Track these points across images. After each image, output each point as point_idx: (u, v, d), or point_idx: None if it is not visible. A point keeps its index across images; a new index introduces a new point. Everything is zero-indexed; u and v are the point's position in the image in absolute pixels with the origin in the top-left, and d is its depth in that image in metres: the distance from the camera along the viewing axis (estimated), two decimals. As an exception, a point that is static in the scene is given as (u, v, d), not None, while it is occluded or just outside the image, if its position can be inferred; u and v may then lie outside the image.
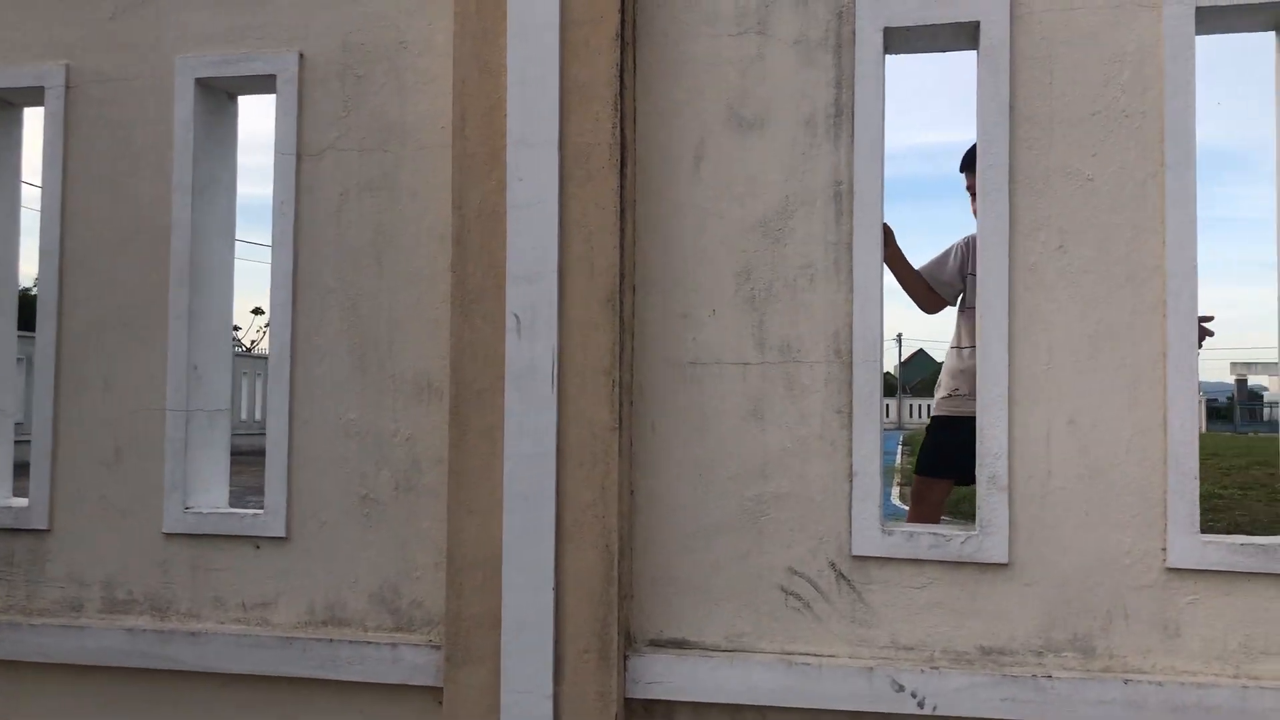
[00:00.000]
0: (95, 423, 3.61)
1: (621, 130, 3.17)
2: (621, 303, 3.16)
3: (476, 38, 3.26)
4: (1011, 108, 3.06)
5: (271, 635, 3.39)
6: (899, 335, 73.95)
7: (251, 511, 3.50)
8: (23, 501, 3.68)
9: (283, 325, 3.48)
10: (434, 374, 3.40)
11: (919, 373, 71.76)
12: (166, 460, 3.54)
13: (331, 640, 3.34)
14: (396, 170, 3.46)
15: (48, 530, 3.62)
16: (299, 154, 3.52)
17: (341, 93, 3.50)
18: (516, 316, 3.18)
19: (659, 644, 3.23)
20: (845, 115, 3.16)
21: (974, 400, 3.13)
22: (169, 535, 3.54)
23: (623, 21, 3.18)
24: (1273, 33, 3.08)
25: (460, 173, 3.26)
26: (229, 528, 3.49)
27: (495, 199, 3.23)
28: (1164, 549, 2.93)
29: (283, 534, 3.45)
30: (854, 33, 3.15)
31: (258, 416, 25.30)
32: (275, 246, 3.50)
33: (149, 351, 3.59)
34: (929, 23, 3.12)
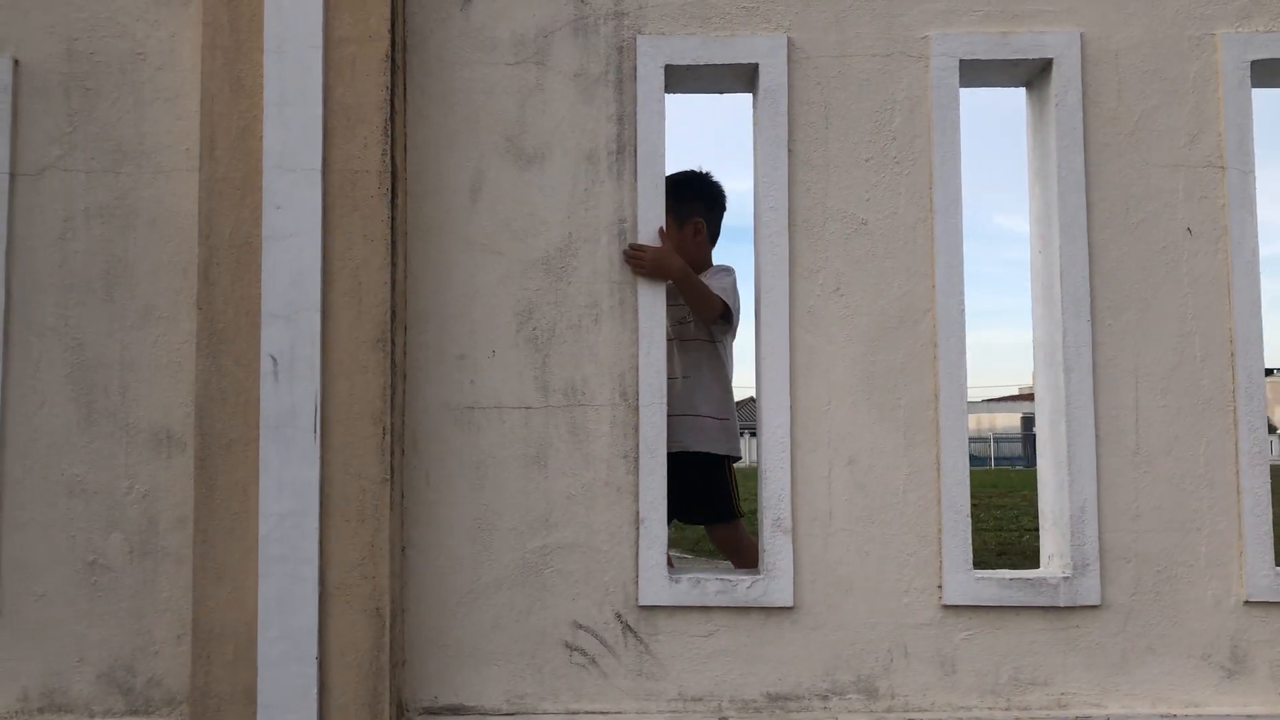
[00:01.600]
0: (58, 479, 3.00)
1: (392, 158, 2.96)
2: (393, 343, 2.93)
3: (228, 51, 2.96)
4: (790, 151, 3.07)
5: (-27, 731, 2.90)
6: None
7: (-52, 586, 3.00)
8: None
9: None
10: (175, 423, 3.04)
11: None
12: None
13: (49, 732, 2.90)
14: (132, 194, 3.09)
15: None
16: (12, 173, 3.07)
17: (66, 106, 3.10)
18: (273, 358, 2.89)
19: (434, 711, 2.99)
20: (628, 152, 3.08)
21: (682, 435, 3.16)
22: None
23: (393, 43, 2.98)
24: (1024, 89, 3.26)
25: (209, 199, 2.94)
26: None
27: (249, 229, 2.93)
28: (940, 586, 2.99)
29: (-16, 611, 2.98)
30: (635, 68, 3.09)
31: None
32: (-18, 278, 3.04)
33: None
34: (709, 62, 3.10)
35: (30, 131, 3.09)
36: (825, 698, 2.98)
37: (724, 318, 3.62)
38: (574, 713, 2.97)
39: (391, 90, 2.96)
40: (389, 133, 2.94)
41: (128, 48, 3.12)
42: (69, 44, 3.11)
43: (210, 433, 2.90)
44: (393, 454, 2.91)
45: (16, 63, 3.09)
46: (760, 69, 3.08)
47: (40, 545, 3.00)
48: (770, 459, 3.01)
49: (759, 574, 3.02)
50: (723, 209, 3.86)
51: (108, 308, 3.06)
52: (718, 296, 3.50)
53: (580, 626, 3.00)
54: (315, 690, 2.82)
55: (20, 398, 3.04)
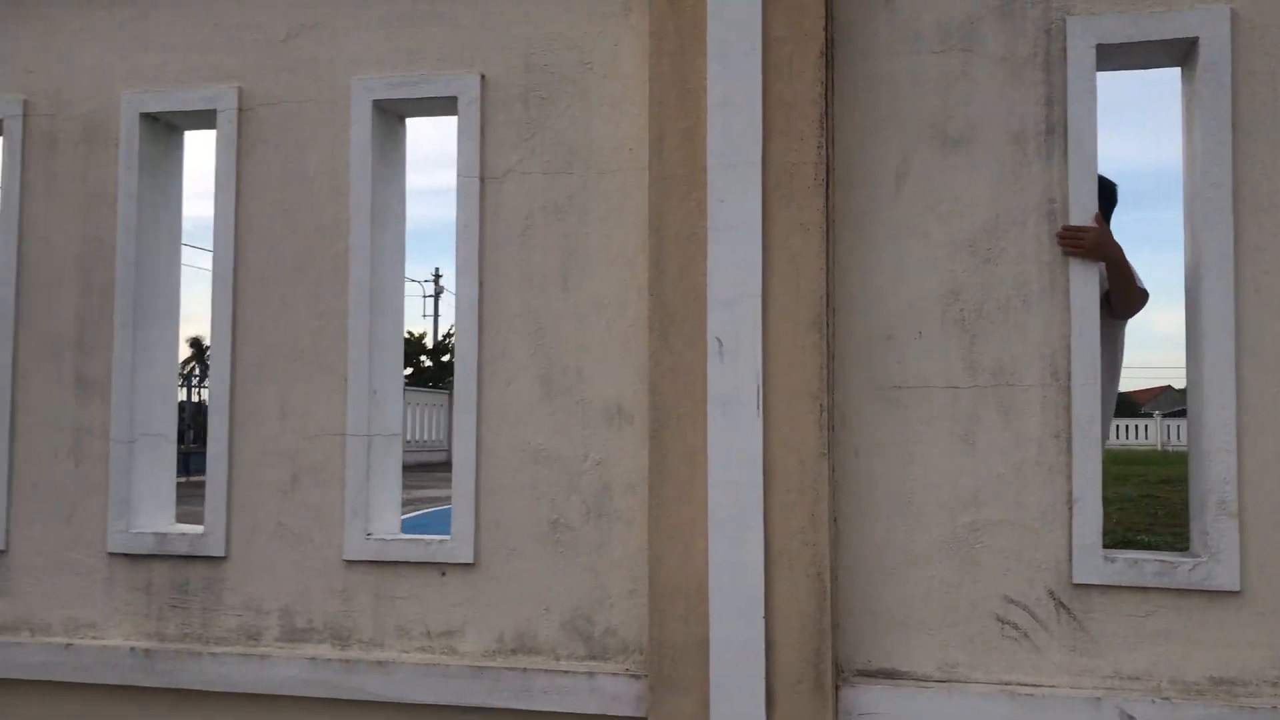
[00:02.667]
0: (272, 449, 3.58)
1: (824, 149, 3.12)
2: (825, 325, 3.10)
3: (674, 57, 3.22)
4: (1234, 125, 2.99)
5: (461, 665, 3.33)
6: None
7: (438, 538, 3.46)
8: (198, 529, 3.65)
9: (468, 351, 3.44)
10: (625, 399, 3.35)
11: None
12: (347, 486, 3.50)
13: (525, 670, 3.28)
14: (582, 193, 3.42)
15: (224, 558, 3.59)
16: (482, 177, 3.48)
17: (524, 115, 3.47)
18: (719, 340, 3.13)
19: (867, 674, 3.16)
20: (1057, 132, 3.10)
21: None
22: (350, 562, 3.50)
23: (825, 39, 3.14)
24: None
25: (658, 195, 3.21)
26: (413, 554, 3.45)
27: (695, 221, 3.18)
28: None
29: (470, 560, 3.40)
30: (1064, 49, 3.10)
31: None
32: (460, 273, 3.46)
33: (326, 377, 3.56)
34: (1141, 39, 3.06)
35: (495, 139, 3.48)
36: (1275, 684, 2.91)
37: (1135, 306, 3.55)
38: (1007, 683, 3.05)
39: (824, 85, 3.12)
40: (823, 125, 3.11)
41: (576, 58, 3.45)
42: (526, 58, 3.48)
43: (662, 406, 3.18)
44: (829, 430, 3.09)
45: (483, 78, 3.49)
46: (1200, 42, 3.01)
47: (511, 506, 3.40)
48: (1213, 441, 2.95)
49: (1200, 557, 2.98)
50: (1114, 204, 3.78)
51: (564, 296, 3.41)
52: (1141, 286, 3.44)
53: (1011, 601, 3.07)
54: (763, 646, 3.05)
55: (492, 376, 3.44)
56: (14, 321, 3.78)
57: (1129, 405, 49.48)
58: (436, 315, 53.83)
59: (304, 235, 3.60)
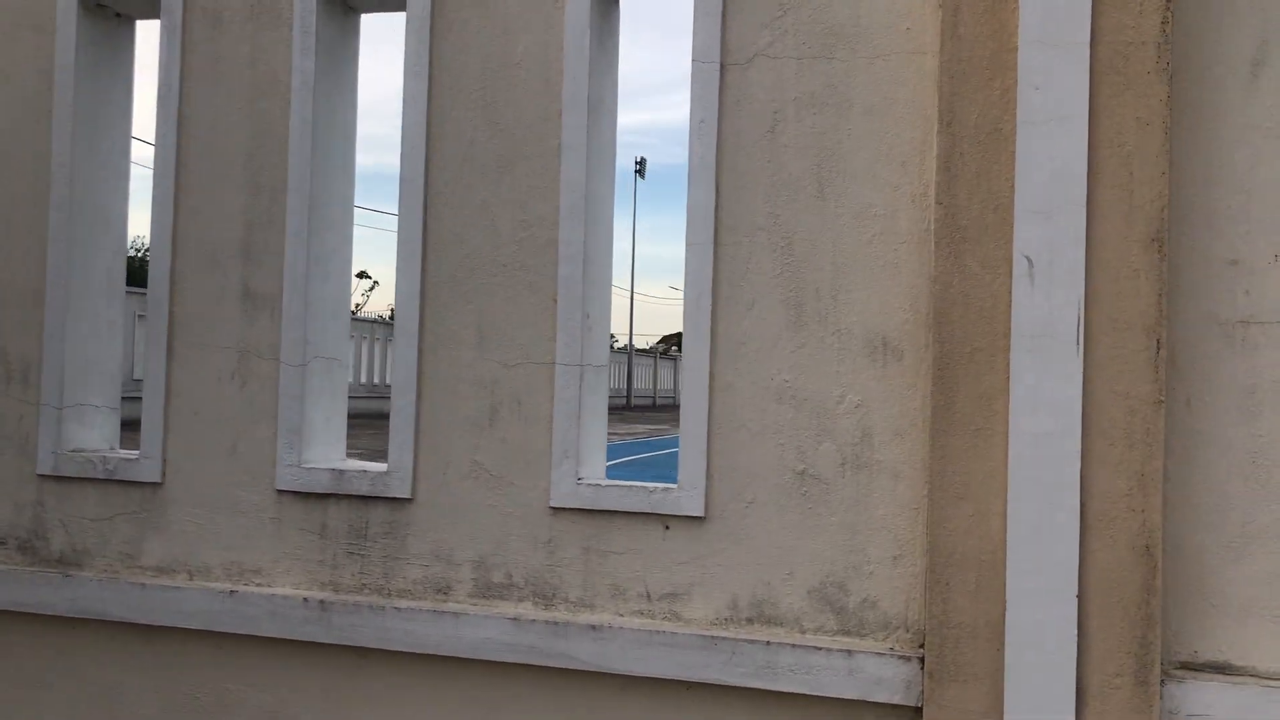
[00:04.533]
0: (466, 379, 3.11)
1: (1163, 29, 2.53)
2: (1164, 244, 2.53)
3: (979, -87, 2.63)
4: None
5: (690, 633, 2.86)
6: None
7: (661, 486, 2.97)
8: (380, 466, 3.21)
9: (701, 270, 2.93)
10: (892, 330, 2.82)
11: None
12: (555, 422, 3.03)
13: (768, 643, 2.80)
14: (845, 82, 2.87)
15: (409, 499, 3.14)
16: (722, 63, 2.94)
17: (776, -12, 2.91)
18: (1028, 259, 2.57)
19: (1193, 667, 2.62)
20: None
21: None
22: (557, 510, 3.03)
23: (1176, -110, 2.53)
24: None
25: (952, 81, 2.65)
26: (632, 503, 2.97)
27: (998, 113, 2.62)
28: None
29: (700, 513, 2.91)
30: None
31: (375, 380, 25.61)
32: (693, 176, 2.94)
33: (532, 296, 3.07)
34: None
35: (739, 17, 2.93)
36: None
37: None
38: (1380, 689, 2.49)
39: (1175, -54, 2.52)
40: (1172, -3, 2.51)
41: (842, -79, 2.88)
42: (779, -78, 2.91)
43: (950, 339, 2.64)
44: (1165, 372, 2.53)
45: (728, -55, 2.94)
46: None
47: (749, 451, 2.90)
48: None
49: None
50: None
51: (818, 204, 2.88)
52: None
53: (1389, 588, 2.51)
54: (1074, 631, 2.53)
55: (729, 299, 2.93)
56: (172, 226, 3.35)
57: None
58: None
59: (508, 131, 3.10)
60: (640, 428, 28.09)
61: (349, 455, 3.52)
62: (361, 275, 42.53)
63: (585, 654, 2.92)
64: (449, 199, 3.14)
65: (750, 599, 2.90)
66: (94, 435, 3.53)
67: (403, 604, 3.08)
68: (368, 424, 17.64)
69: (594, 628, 2.92)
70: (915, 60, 2.81)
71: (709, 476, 2.92)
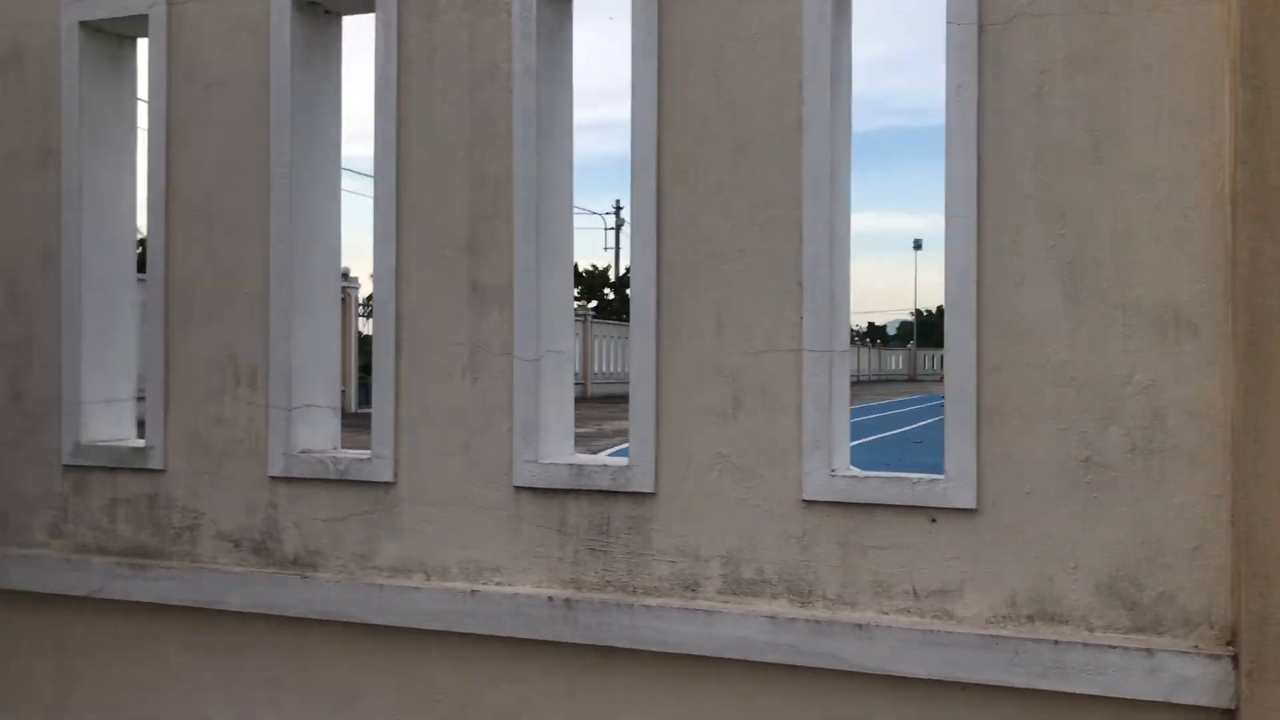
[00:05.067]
0: (706, 368, 3.00)
1: None
2: None
3: None
4: None
5: (966, 632, 2.70)
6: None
7: (926, 477, 2.81)
8: (620, 461, 3.12)
9: (963, 244, 2.75)
10: (1184, 303, 2.60)
11: None
12: (805, 412, 2.89)
13: (1056, 641, 2.62)
14: (1120, 38, 2.65)
15: (652, 494, 3.04)
16: (980, 24, 2.75)
17: (1037, -60, 2.71)
18: (1355, 220, 2.33)
19: None
20: None
21: None
22: (809, 503, 2.90)
23: None
24: None
25: (1253, 31, 2.42)
26: (893, 495, 2.81)
27: (1313, 61, 2.38)
28: None
29: (971, 505, 2.74)
30: None
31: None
32: (951, 144, 2.76)
33: (774, 279, 2.94)
34: None
35: (998, -25, 2.74)
36: None
37: None
38: None
39: None
40: None
41: None
42: None
43: (1260, 311, 2.42)
44: None
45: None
46: None
47: (1025, 438, 2.72)
48: None
49: None
50: None
51: (1095, 170, 2.67)
52: None
53: None
54: None
55: (997, 273, 2.74)
56: (395, 220, 3.31)
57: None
58: (618, 249, 53.56)
59: (744, 106, 2.96)
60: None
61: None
62: None
63: (851, 654, 2.78)
64: (683, 181, 3.02)
65: (1030, 595, 2.72)
66: (319, 436, 3.53)
67: (651, 601, 2.98)
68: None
69: (860, 626, 2.78)
70: (1200, 10, 2.58)
71: (980, 466, 2.74)
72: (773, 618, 2.86)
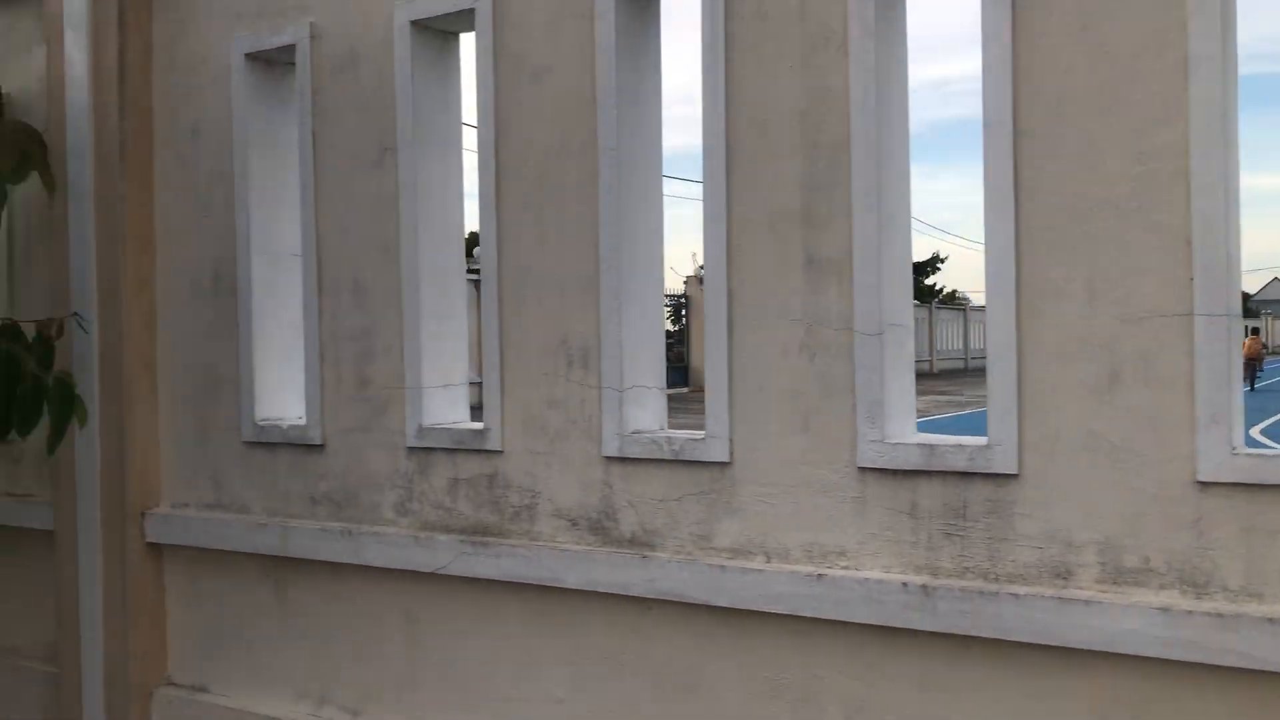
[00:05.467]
0: (1075, 339, 2.76)
1: None
2: None
3: None
4: None
5: None
6: None
7: (1354, 455, 2.48)
8: (980, 440, 2.94)
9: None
10: None
11: None
12: (1198, 384, 2.61)
13: None
14: None
15: (1015, 475, 2.84)
16: None
17: None
18: None
19: None
20: None
21: None
22: (1205, 485, 2.61)
23: None
24: None
25: None
26: (1311, 476, 2.50)
27: None
28: None
29: None
30: None
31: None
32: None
33: (1152, 238, 2.67)
34: None
35: None
36: None
37: None
38: None
39: None
40: None
41: None
42: None
43: None
44: None
45: None
46: None
47: None
48: None
49: None
50: None
51: None
52: None
53: None
54: None
55: None
56: (726, 194, 3.25)
57: None
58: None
59: (1113, 53, 2.70)
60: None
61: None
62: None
63: (1265, 651, 2.49)
64: (1043, 137, 2.79)
65: None
66: (648, 416, 3.53)
67: (1020, 590, 2.79)
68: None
69: (1272, 621, 2.48)
70: None
71: None
72: (1165, 609, 2.60)
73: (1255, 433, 15.80)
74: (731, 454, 3.25)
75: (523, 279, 3.65)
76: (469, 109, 3.94)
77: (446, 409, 3.96)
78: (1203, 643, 2.55)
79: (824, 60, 3.10)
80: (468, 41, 4.00)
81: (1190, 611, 2.57)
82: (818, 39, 3.10)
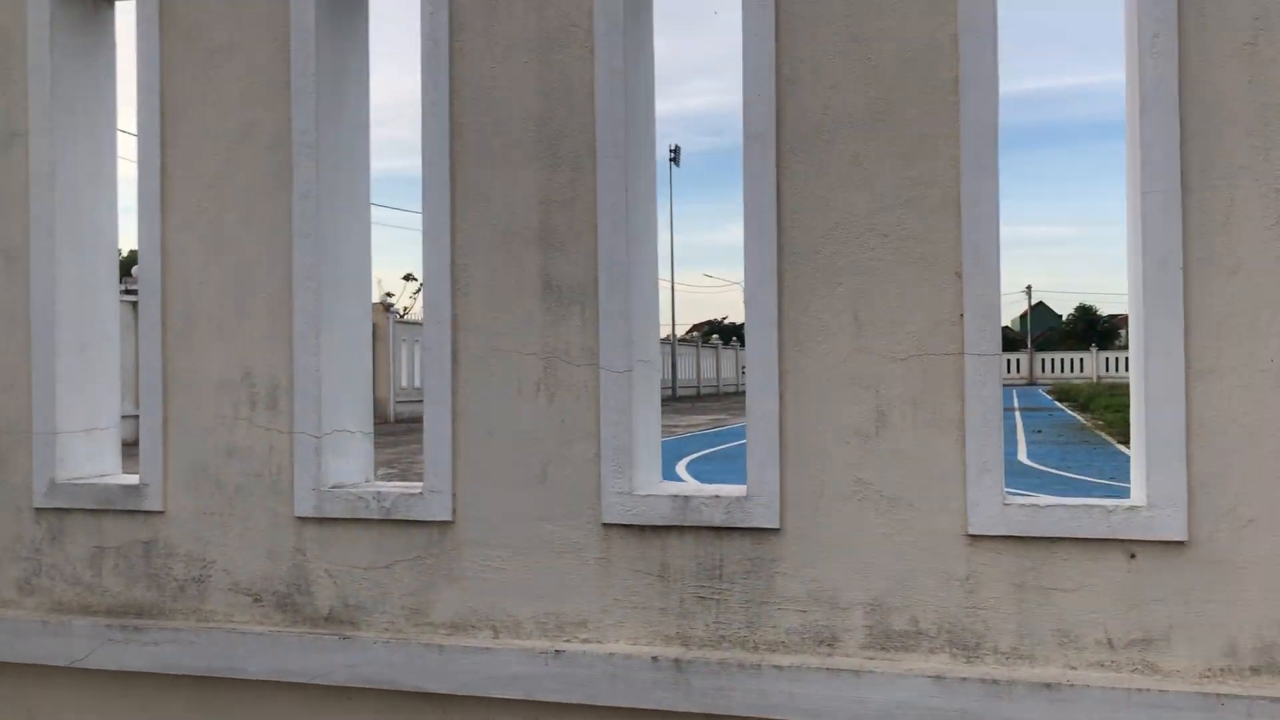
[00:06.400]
0: (841, 378, 2.50)
1: None
2: None
3: None
4: None
5: (1180, 690, 2.24)
6: (1028, 286, 67.88)
7: (1125, 504, 2.35)
8: (736, 490, 2.61)
9: (1165, 227, 2.30)
10: None
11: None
12: (969, 428, 2.41)
13: (1300, 701, 2.18)
14: (1351, -25, 2.23)
15: (776, 530, 2.54)
16: (1178, -38, 2.31)
17: None
18: None
19: None
20: None
21: None
22: (976, 538, 2.42)
23: None
24: None
25: None
26: (1084, 527, 2.34)
27: None
28: None
29: (1180, 536, 2.29)
30: None
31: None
32: (1145, 107, 2.32)
33: (926, 271, 2.46)
34: None
35: (1198, -96, 2.30)
36: None
37: None
38: None
39: None
40: None
41: None
42: None
43: None
44: None
45: None
46: None
47: (1244, 455, 2.27)
48: None
49: None
50: None
51: (1324, 134, 2.25)
52: None
53: None
54: None
55: (1204, 261, 2.30)
56: (450, 210, 2.77)
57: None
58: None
59: (881, 69, 2.49)
60: (699, 418, 27.29)
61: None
62: (408, 278, 41.63)
63: (1039, 717, 2.31)
64: (808, 156, 2.54)
65: (1256, 644, 2.27)
66: (351, 467, 2.97)
67: (784, 660, 2.48)
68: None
69: (1048, 686, 2.31)
70: None
71: (1190, 489, 2.29)
72: (937, 678, 2.37)
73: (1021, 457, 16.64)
74: (454, 510, 2.76)
75: (193, 299, 2.99)
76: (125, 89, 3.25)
77: (88, 460, 3.19)
78: (979, 712, 2.34)
79: (564, 58, 2.70)
80: (125, 11, 3.30)
81: (964, 678, 2.36)
82: (556, 35, 2.70)
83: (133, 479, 3.05)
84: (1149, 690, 2.26)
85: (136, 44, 3.03)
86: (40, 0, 3.09)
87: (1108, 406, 25.65)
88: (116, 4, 3.27)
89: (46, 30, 3.09)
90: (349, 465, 2.97)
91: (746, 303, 2.57)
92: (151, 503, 2.99)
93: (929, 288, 2.46)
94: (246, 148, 2.94)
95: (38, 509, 3.10)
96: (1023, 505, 2.40)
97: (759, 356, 2.55)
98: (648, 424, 2.74)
